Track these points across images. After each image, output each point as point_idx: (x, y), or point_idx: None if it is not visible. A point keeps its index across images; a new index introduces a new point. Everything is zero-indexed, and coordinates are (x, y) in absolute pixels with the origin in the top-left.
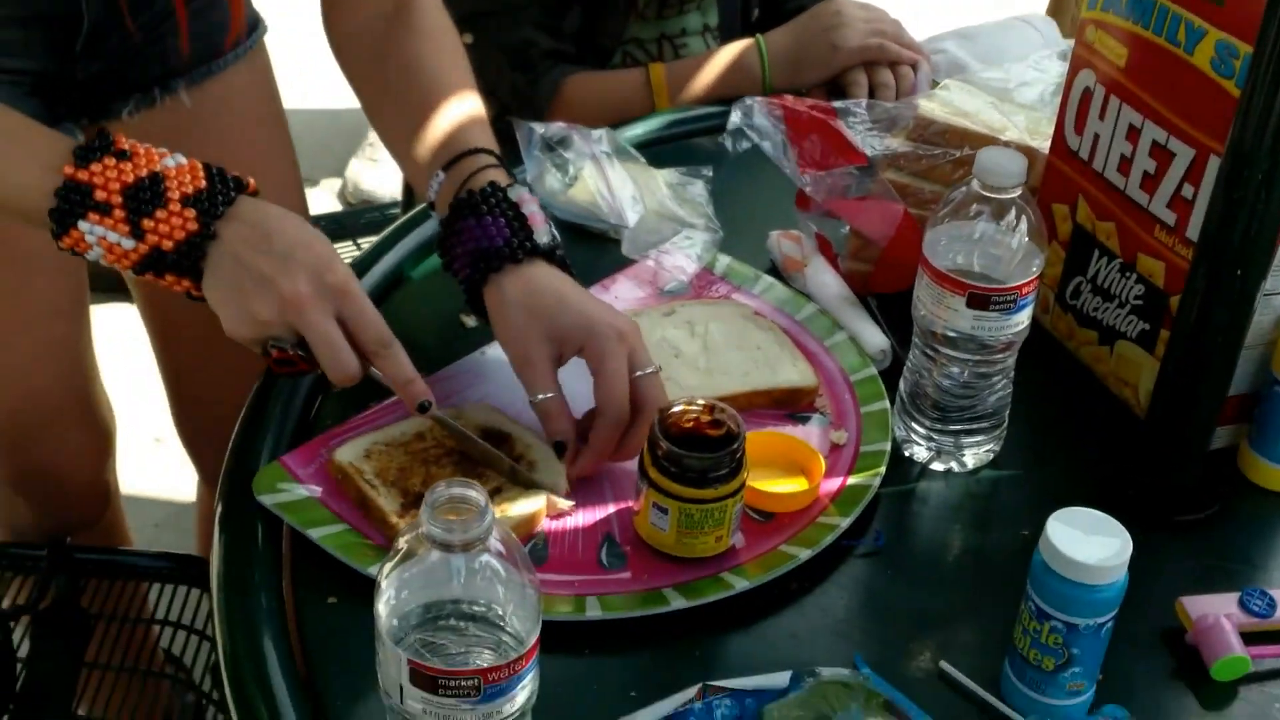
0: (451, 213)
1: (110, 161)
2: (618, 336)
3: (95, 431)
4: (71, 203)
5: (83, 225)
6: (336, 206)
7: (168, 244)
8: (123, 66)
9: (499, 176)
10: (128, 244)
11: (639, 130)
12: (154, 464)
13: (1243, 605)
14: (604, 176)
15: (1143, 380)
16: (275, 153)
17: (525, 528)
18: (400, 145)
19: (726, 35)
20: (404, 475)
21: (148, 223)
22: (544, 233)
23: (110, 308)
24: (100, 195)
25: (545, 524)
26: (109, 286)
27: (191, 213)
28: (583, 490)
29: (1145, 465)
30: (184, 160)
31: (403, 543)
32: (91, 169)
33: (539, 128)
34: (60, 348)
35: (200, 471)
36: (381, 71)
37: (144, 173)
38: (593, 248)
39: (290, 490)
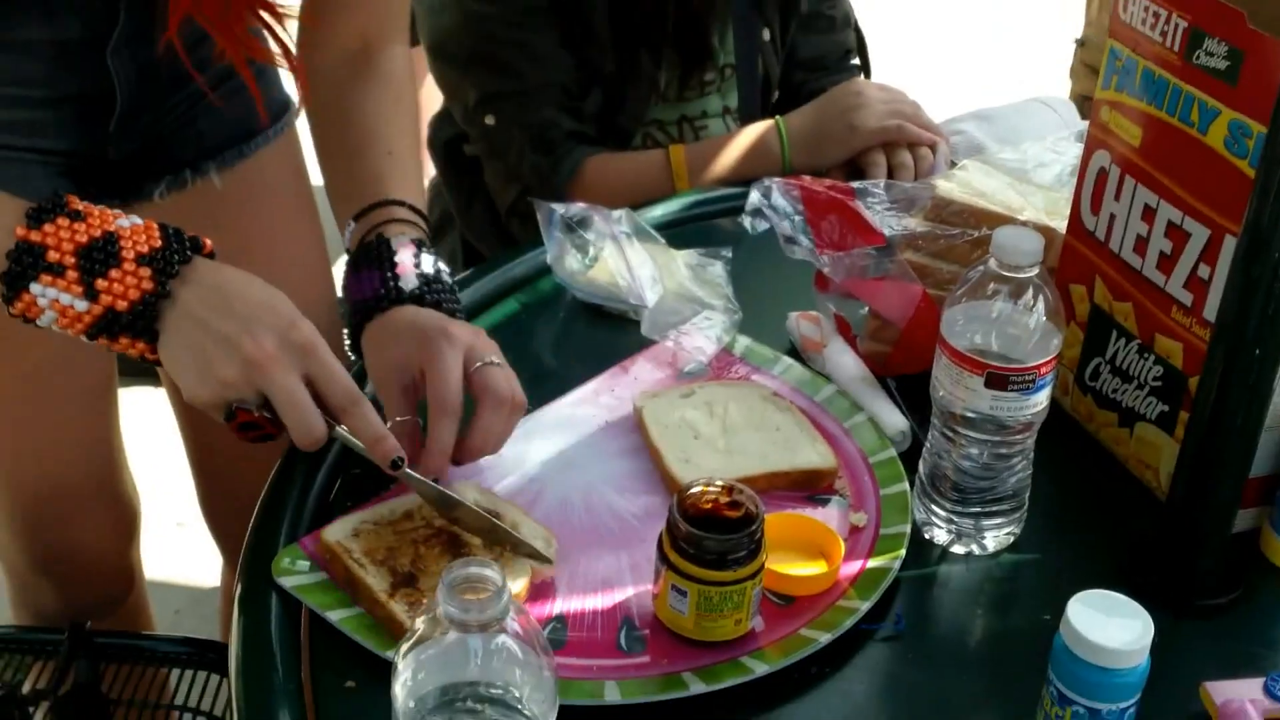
0: (348, 268)
1: (64, 222)
2: (446, 339)
3: (121, 513)
4: (24, 265)
5: (35, 288)
6: None
7: (122, 304)
8: (155, 148)
9: (395, 227)
10: (81, 305)
11: (659, 211)
12: (176, 549)
13: (1268, 691)
14: (624, 257)
15: (1163, 463)
16: (304, 233)
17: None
18: (330, 192)
19: (746, 117)
20: (392, 555)
21: (101, 283)
22: (410, 279)
23: (136, 391)
24: (53, 256)
25: (564, 607)
26: (136, 370)
27: (147, 271)
28: (602, 573)
29: (1167, 549)
30: (139, 220)
31: (420, 624)
32: (44, 229)
33: (559, 208)
34: (88, 431)
35: (225, 554)
36: (330, 112)
37: (98, 232)
38: (612, 328)
39: (309, 572)
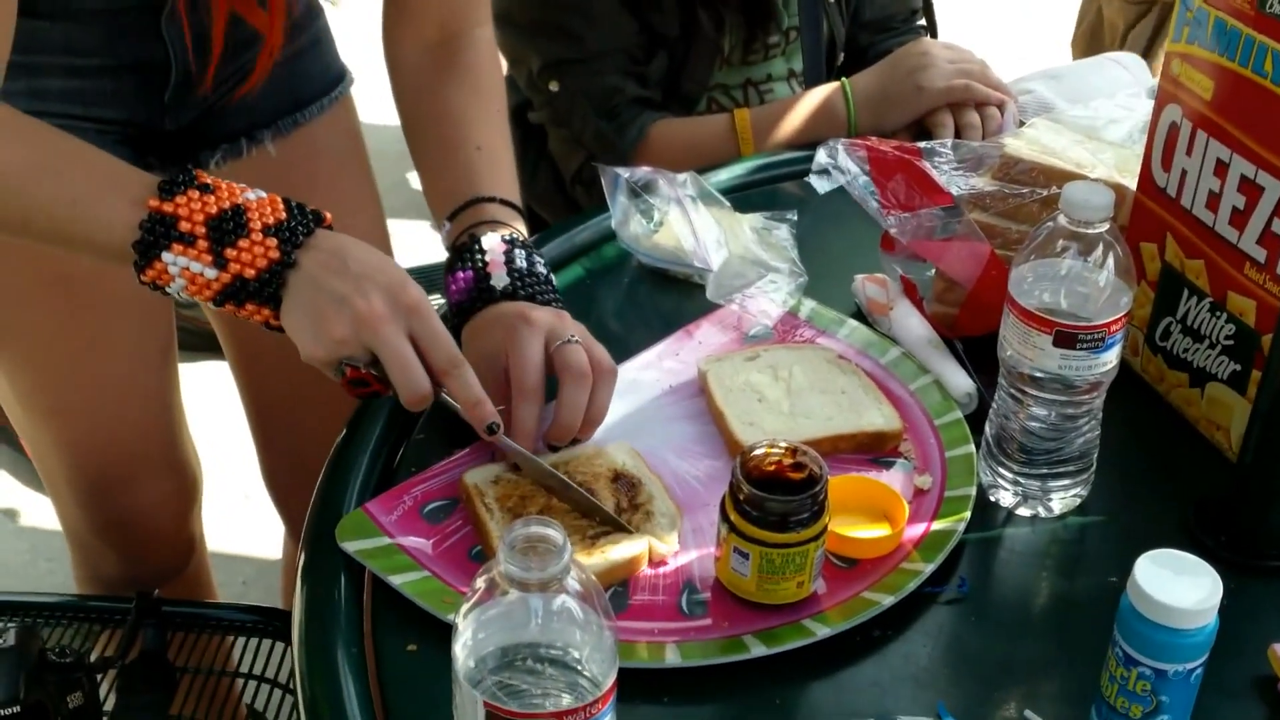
0: (444, 268)
1: (194, 194)
2: (525, 323)
3: (182, 480)
4: (156, 234)
5: (166, 256)
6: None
7: (250, 272)
8: (211, 117)
9: (488, 226)
10: (210, 273)
11: (724, 175)
12: (243, 522)
13: None
14: (689, 221)
15: (1234, 423)
16: (361, 201)
17: (626, 570)
18: (425, 189)
19: (811, 80)
20: (523, 503)
21: (230, 252)
22: (502, 276)
23: (201, 365)
24: (184, 226)
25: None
26: (201, 346)
27: (273, 241)
28: None
29: (1237, 509)
30: (264, 194)
31: (480, 582)
32: (176, 201)
33: (624, 173)
34: (148, 395)
35: (288, 524)
36: (417, 109)
37: (226, 204)
38: (678, 292)
39: (373, 537)
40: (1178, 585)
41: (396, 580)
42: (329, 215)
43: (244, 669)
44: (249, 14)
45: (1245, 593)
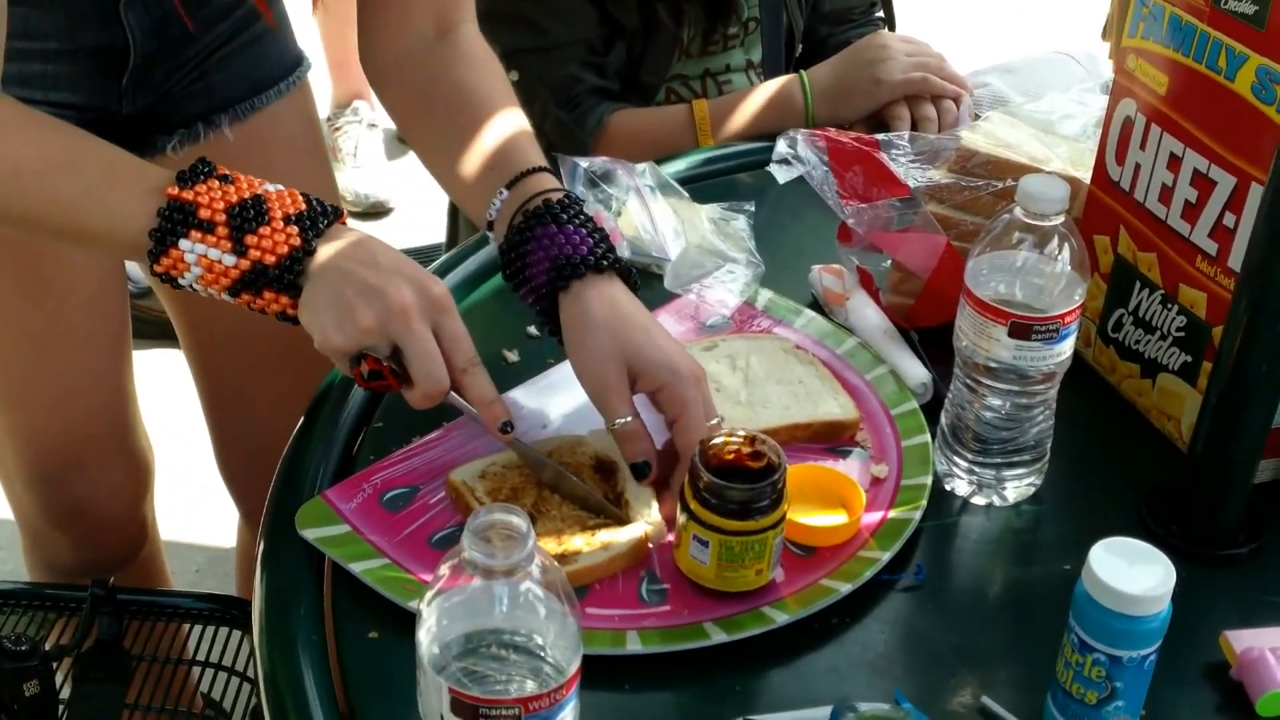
0: (525, 221)
1: (214, 184)
2: (696, 383)
3: (134, 466)
4: (174, 221)
5: (184, 244)
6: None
7: (270, 259)
8: (168, 102)
9: (560, 193)
10: (229, 260)
11: (682, 165)
12: (195, 510)
13: None
14: (647, 210)
15: (1185, 414)
16: (318, 187)
17: (629, 559)
18: (451, 168)
19: (770, 71)
20: (515, 495)
21: (251, 239)
22: (624, 249)
23: (155, 353)
24: (204, 214)
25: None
26: (155, 334)
27: (294, 229)
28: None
29: (1188, 499)
30: (283, 187)
31: (445, 569)
32: (196, 189)
33: (583, 162)
34: (101, 382)
35: (242, 511)
36: (428, 97)
37: (247, 194)
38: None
39: (332, 525)
40: (1132, 572)
41: (357, 568)
42: (345, 212)
43: (200, 657)
44: None
45: (1197, 581)
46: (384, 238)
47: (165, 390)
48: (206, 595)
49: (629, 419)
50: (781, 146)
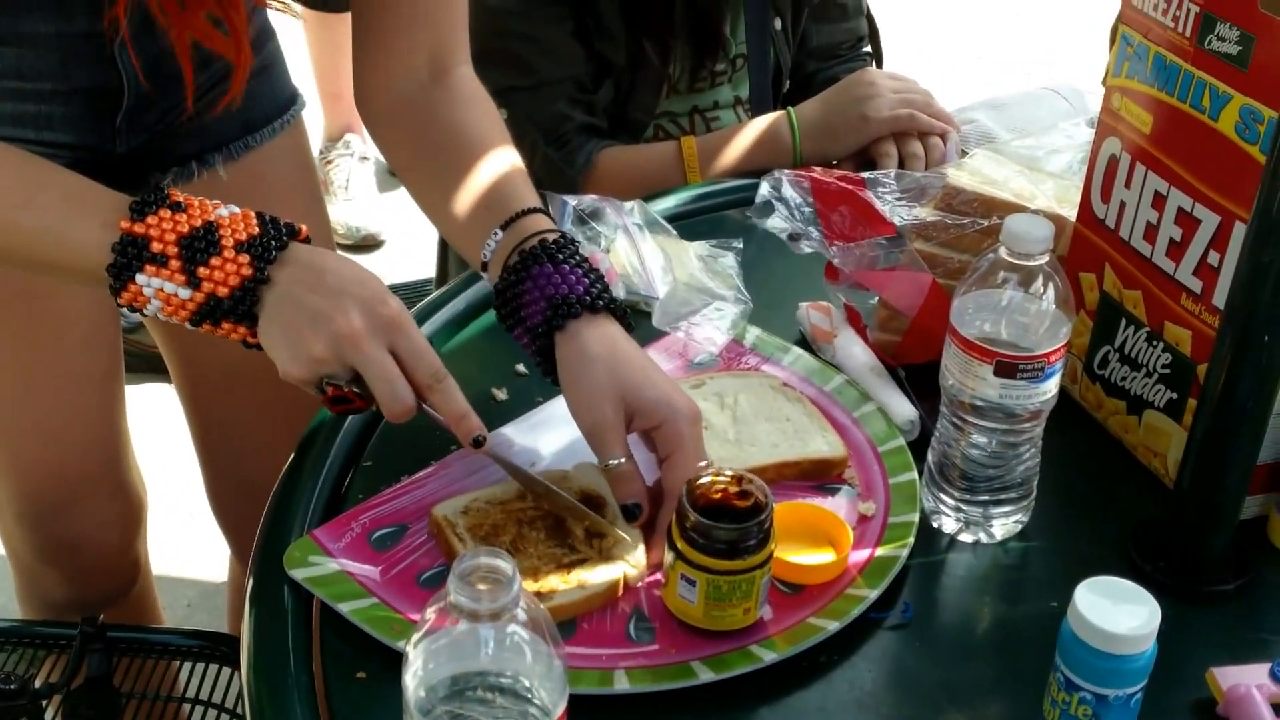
0: (521, 261)
1: (165, 214)
2: (692, 422)
3: (127, 503)
4: (129, 256)
5: (140, 278)
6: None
7: (223, 290)
8: (162, 141)
9: (554, 234)
10: (184, 294)
11: (670, 202)
12: (187, 544)
13: (1274, 676)
14: (635, 248)
15: (1171, 450)
16: (311, 225)
17: (604, 598)
18: (445, 208)
19: (758, 108)
20: (495, 532)
21: (203, 270)
22: (619, 289)
23: (146, 387)
24: (156, 247)
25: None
26: (147, 368)
27: (245, 258)
28: None
29: (1174, 535)
30: (237, 209)
31: (430, 612)
32: (147, 221)
33: (571, 200)
34: (93, 419)
35: (233, 547)
36: (424, 139)
37: (198, 222)
38: None
39: (321, 564)
40: (1117, 612)
41: (345, 607)
42: (304, 228)
43: (190, 694)
44: (211, 41)
45: (1183, 617)
46: (375, 271)
47: (157, 424)
48: (196, 632)
49: (622, 460)
50: (764, 189)
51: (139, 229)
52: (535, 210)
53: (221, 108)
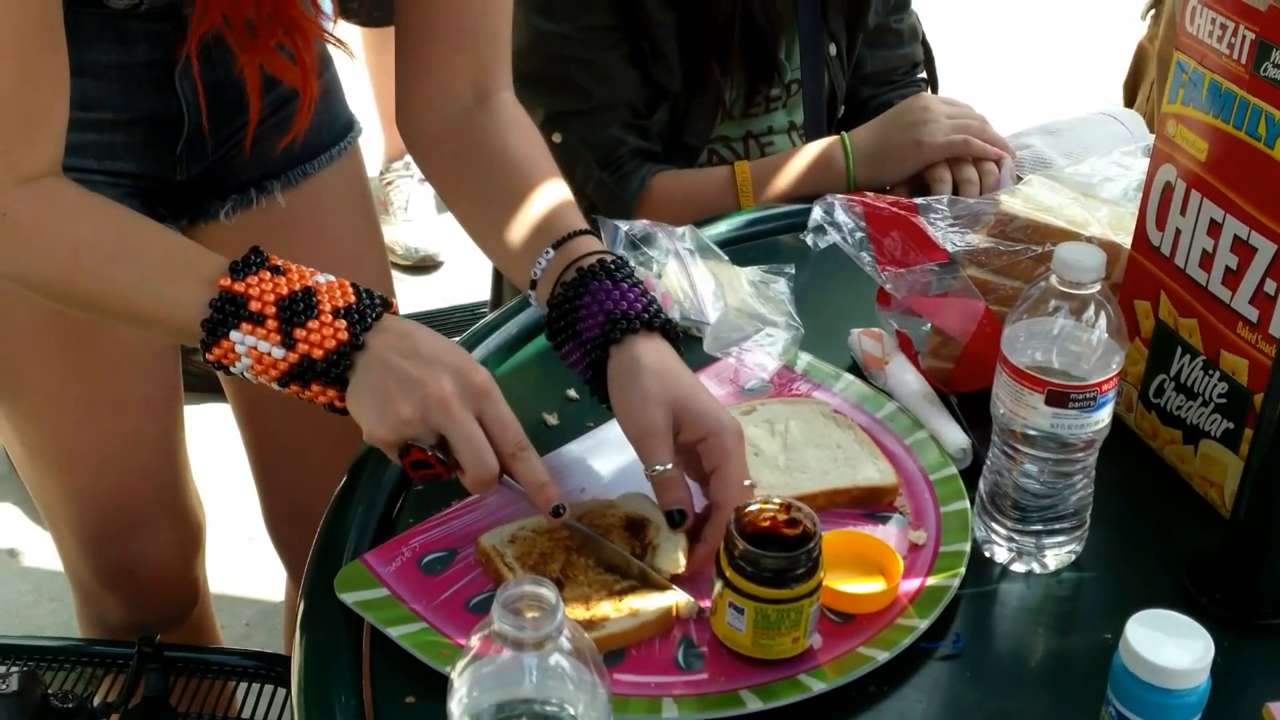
0: (580, 277)
1: (265, 275)
2: (739, 439)
3: (186, 527)
4: (226, 313)
5: (234, 335)
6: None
7: (318, 352)
8: (222, 169)
9: (605, 256)
10: (278, 353)
11: (722, 228)
12: (246, 563)
13: None
14: (687, 274)
15: (1228, 480)
16: (368, 250)
17: (657, 627)
18: (493, 231)
19: (812, 133)
20: (544, 560)
21: (300, 332)
22: (674, 310)
23: (205, 408)
24: (255, 305)
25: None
26: (205, 387)
27: (343, 323)
28: None
29: (1230, 567)
30: (333, 278)
31: (475, 640)
32: (247, 281)
33: (624, 225)
34: (153, 443)
35: (289, 570)
36: (469, 161)
37: (297, 286)
38: None
39: (371, 588)
40: (1169, 646)
41: (394, 632)
42: (395, 303)
43: (246, 714)
44: (279, 71)
45: (1239, 651)
46: (432, 292)
47: (216, 443)
48: (251, 653)
49: (669, 466)
50: (817, 213)
51: (239, 287)
52: (586, 232)
53: (288, 141)
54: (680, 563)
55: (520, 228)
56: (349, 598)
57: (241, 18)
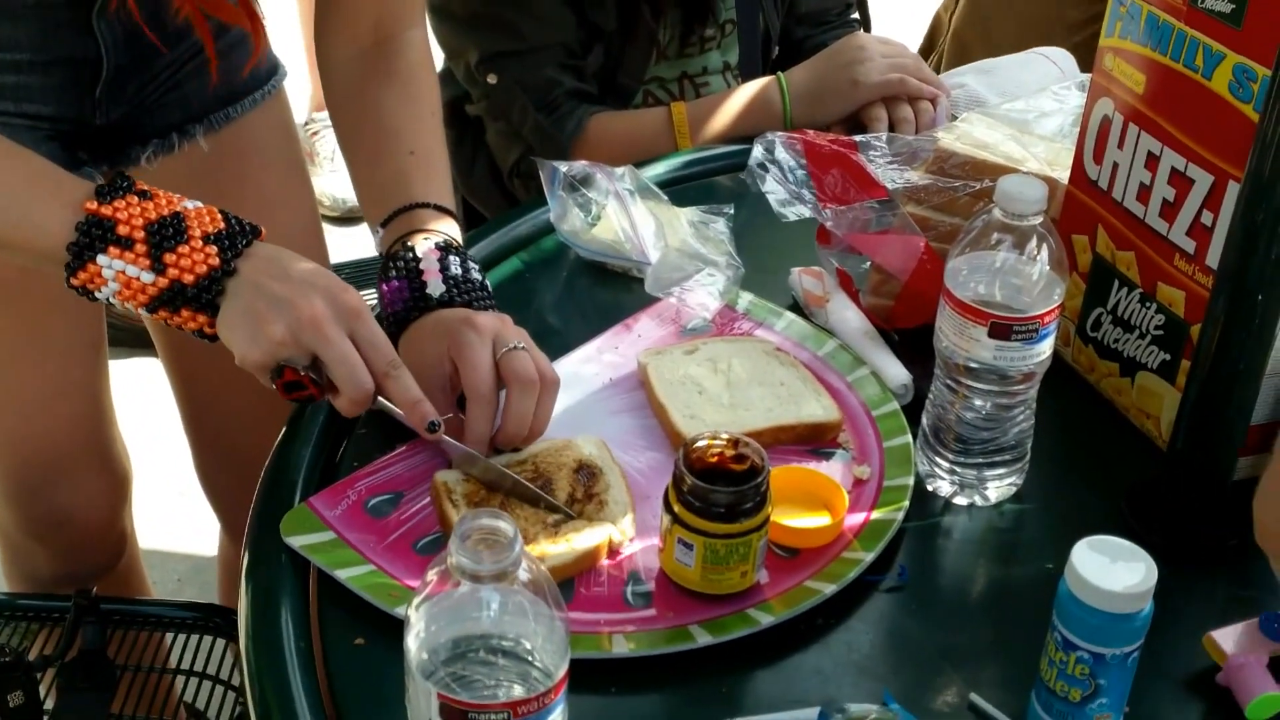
0: (378, 276)
1: (133, 199)
2: (472, 328)
3: (112, 476)
4: (92, 237)
5: (101, 259)
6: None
7: (189, 277)
8: (142, 112)
9: (421, 233)
10: (147, 278)
11: (661, 168)
12: (176, 518)
13: (1263, 630)
14: (627, 214)
15: (1164, 412)
16: (294, 196)
17: (590, 559)
18: (358, 193)
19: (747, 73)
20: (487, 499)
21: (169, 257)
22: (437, 284)
23: (133, 362)
24: (123, 230)
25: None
26: (132, 341)
27: (213, 249)
28: None
29: (1167, 497)
30: (201, 205)
31: (432, 575)
32: (115, 205)
33: (562, 167)
34: (78, 392)
35: (223, 522)
36: (348, 113)
37: (166, 211)
38: (616, 286)
39: (317, 532)
40: (1114, 570)
41: (342, 574)
42: (264, 230)
43: (184, 666)
44: (220, 12)
45: (1176, 580)
46: (361, 243)
47: (143, 398)
48: (189, 604)
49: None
50: (758, 151)
51: (106, 211)
52: (411, 206)
53: (248, 70)
54: (628, 533)
55: (369, 198)
56: (295, 541)
57: None
